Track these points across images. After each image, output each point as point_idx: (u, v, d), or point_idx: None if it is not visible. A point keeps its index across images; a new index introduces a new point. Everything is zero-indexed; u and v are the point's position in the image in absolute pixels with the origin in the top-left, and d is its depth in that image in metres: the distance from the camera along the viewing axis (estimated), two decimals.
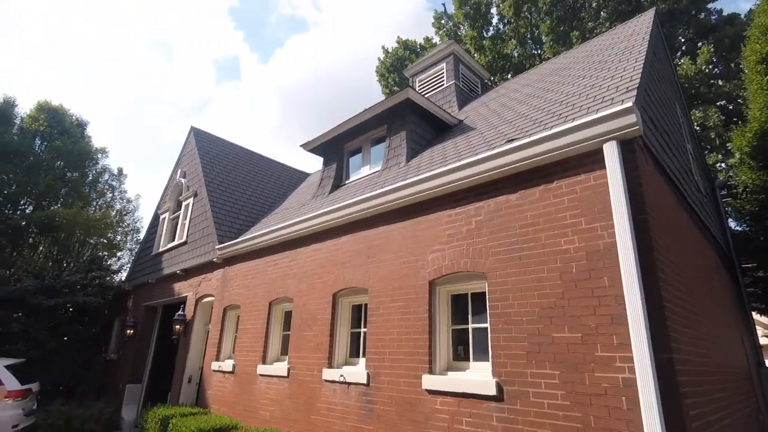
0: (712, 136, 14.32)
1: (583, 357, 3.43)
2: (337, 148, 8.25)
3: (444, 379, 4.34)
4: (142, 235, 17.02)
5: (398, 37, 22.72)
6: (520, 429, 3.63)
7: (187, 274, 9.87)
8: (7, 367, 8.11)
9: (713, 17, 15.69)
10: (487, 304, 4.20)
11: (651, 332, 3.11)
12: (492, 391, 3.86)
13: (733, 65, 14.75)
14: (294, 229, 6.86)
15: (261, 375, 6.73)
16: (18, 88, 50.43)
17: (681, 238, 4.61)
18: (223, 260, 8.68)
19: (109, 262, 18.21)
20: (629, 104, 3.55)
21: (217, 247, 8.64)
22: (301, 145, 8.69)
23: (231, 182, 10.83)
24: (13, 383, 7.95)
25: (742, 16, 15.10)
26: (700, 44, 15.28)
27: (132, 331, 11.34)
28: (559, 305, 3.67)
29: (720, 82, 14.80)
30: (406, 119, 7.07)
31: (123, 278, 14.64)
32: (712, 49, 14.00)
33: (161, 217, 11.99)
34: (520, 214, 4.16)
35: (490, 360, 4.03)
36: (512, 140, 4.45)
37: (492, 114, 6.92)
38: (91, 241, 19.10)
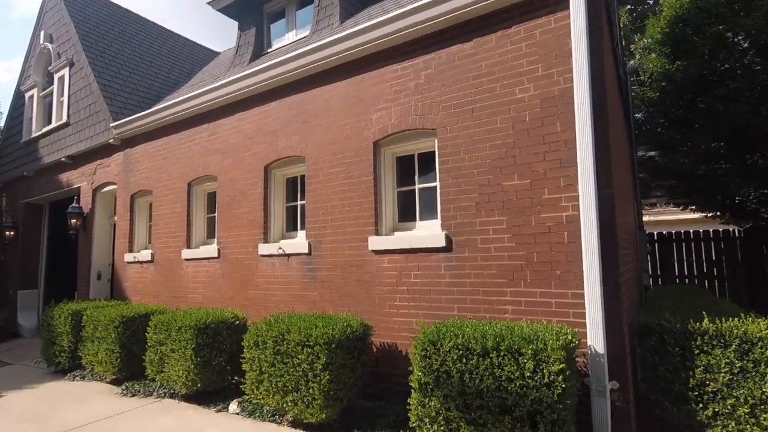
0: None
1: (531, 201, 3.56)
2: (254, 9, 7.03)
3: (391, 238, 4.34)
4: (2, 122, 13.93)
5: None
6: (467, 273, 3.82)
7: (76, 161, 8.41)
8: None
9: None
10: (437, 160, 4.11)
11: (597, 172, 3.27)
12: (441, 243, 3.94)
13: None
14: (214, 96, 5.94)
15: (187, 260, 6.26)
16: None
17: (615, 96, 4.82)
18: (123, 141, 7.45)
19: None
20: None
21: (112, 125, 7.32)
22: (208, 2, 7.26)
23: (119, 51, 8.93)
24: None
25: None
26: None
27: (12, 233, 9.79)
28: (510, 155, 3.69)
29: None
30: None
31: None
32: None
33: (27, 94, 9.75)
34: (474, 64, 3.93)
35: (439, 215, 4.06)
36: None
37: None
38: None
